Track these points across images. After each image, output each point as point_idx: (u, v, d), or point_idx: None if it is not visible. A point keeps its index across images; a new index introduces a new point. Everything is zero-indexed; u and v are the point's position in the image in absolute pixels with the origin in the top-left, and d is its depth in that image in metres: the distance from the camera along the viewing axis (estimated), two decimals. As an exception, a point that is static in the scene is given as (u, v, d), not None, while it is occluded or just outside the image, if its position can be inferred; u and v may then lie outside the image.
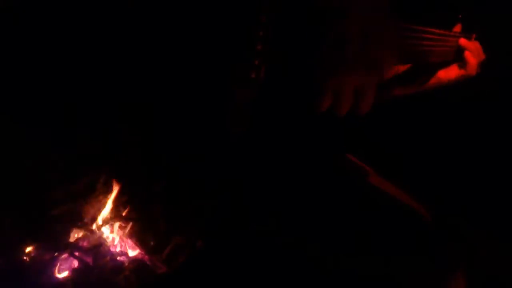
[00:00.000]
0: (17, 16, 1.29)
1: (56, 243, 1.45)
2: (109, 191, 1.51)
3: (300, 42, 0.86)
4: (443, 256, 1.14)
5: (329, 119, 1.10)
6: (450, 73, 1.12)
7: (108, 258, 1.44)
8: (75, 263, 1.45)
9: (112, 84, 1.35)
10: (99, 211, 1.50)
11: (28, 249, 1.43)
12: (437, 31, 1.08)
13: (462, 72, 1.12)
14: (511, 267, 1.17)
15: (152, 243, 1.46)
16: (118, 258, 1.45)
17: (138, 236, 1.48)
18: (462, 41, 1.11)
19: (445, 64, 1.12)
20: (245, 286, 1.16)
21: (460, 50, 1.12)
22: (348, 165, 1.16)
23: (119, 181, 1.51)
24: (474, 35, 1.15)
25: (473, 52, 1.10)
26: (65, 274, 1.43)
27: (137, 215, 1.50)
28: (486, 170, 1.25)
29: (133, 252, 1.47)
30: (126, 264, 1.42)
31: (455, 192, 1.23)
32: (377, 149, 1.21)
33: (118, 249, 1.48)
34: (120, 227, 1.50)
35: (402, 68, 1.11)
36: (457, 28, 1.15)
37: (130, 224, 1.49)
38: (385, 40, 0.84)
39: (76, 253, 1.45)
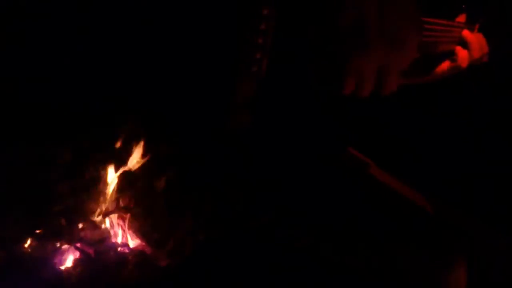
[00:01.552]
0: (17, 16, 1.28)
1: (58, 235, 1.46)
2: (112, 183, 1.51)
3: (312, 23, 0.83)
4: (444, 249, 1.14)
5: (331, 112, 1.10)
6: (443, 66, 1.10)
7: (110, 250, 1.44)
8: (77, 255, 1.45)
9: (113, 79, 1.34)
10: (101, 203, 1.51)
11: (30, 240, 1.43)
12: (440, 21, 1.06)
13: (453, 64, 1.10)
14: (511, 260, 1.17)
15: (154, 236, 1.46)
16: (120, 249, 1.45)
17: (140, 228, 1.48)
18: (465, 32, 1.10)
19: (448, 56, 1.10)
20: (248, 281, 1.16)
21: (462, 42, 1.10)
22: (349, 158, 1.16)
23: (122, 174, 1.51)
24: (477, 26, 1.13)
25: (475, 45, 1.09)
26: (66, 265, 1.43)
27: (139, 207, 1.50)
28: (488, 164, 1.24)
29: (134, 244, 1.48)
30: (129, 256, 1.43)
31: (456, 185, 1.23)
32: (378, 142, 1.20)
33: (119, 241, 1.48)
34: (122, 219, 1.50)
35: None
36: (461, 18, 1.13)
37: (133, 216, 1.49)
38: (408, 15, 0.82)
39: (78, 245, 1.46)
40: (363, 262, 1.12)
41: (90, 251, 1.45)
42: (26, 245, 1.42)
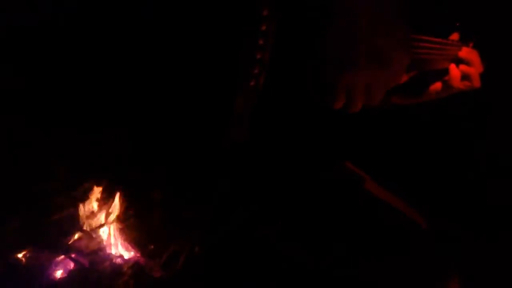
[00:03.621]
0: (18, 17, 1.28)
1: (52, 245, 1.45)
2: (109, 194, 1.52)
3: (307, 41, 0.86)
4: (437, 260, 1.15)
5: (328, 126, 1.11)
6: (436, 85, 1.11)
7: (104, 260, 1.44)
8: (71, 265, 1.45)
9: (112, 91, 1.35)
10: (97, 214, 1.51)
11: (24, 251, 1.43)
12: (434, 39, 1.08)
13: (446, 84, 1.11)
14: (503, 269, 1.18)
15: (150, 247, 1.46)
16: (114, 260, 1.45)
17: (135, 239, 1.48)
18: (461, 53, 1.10)
19: (442, 75, 1.11)
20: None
21: (456, 60, 1.12)
22: (346, 172, 1.17)
23: (118, 185, 1.51)
24: (471, 43, 1.14)
25: (471, 64, 1.10)
26: (61, 276, 1.43)
27: (135, 218, 1.50)
28: (480, 175, 1.26)
29: (129, 255, 1.48)
30: (123, 266, 1.43)
31: (449, 196, 1.24)
32: (374, 157, 1.22)
33: (114, 252, 1.48)
34: (117, 229, 1.50)
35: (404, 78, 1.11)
36: (455, 36, 1.15)
37: (128, 227, 1.49)
38: (396, 37, 0.85)
39: (72, 255, 1.45)
40: (358, 274, 1.12)
41: (85, 261, 1.44)
42: (21, 255, 1.42)
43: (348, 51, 0.82)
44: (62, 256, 1.45)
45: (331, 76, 0.83)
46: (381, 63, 0.84)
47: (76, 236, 1.48)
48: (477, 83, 1.10)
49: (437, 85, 1.12)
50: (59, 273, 1.43)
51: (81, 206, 1.50)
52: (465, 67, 1.10)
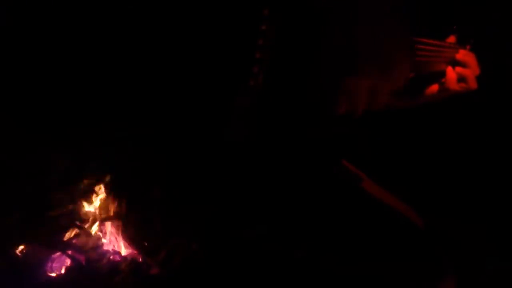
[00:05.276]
0: (18, 17, 1.29)
1: (50, 242, 1.46)
2: (106, 191, 1.52)
3: (306, 47, 0.87)
4: (433, 260, 1.16)
5: (325, 125, 1.12)
6: (432, 88, 1.13)
7: (101, 257, 1.45)
8: (68, 262, 1.45)
9: (112, 88, 1.36)
10: (95, 210, 1.51)
11: (21, 247, 1.43)
12: (432, 42, 1.09)
13: (442, 86, 1.12)
14: (499, 270, 1.19)
15: (147, 244, 1.46)
16: (111, 257, 1.46)
17: (132, 236, 1.49)
18: (459, 55, 1.11)
19: (438, 77, 1.13)
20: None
21: (453, 62, 1.13)
22: (343, 171, 1.18)
23: (116, 182, 1.52)
24: (468, 46, 1.16)
25: (468, 66, 1.11)
26: (59, 272, 1.43)
27: (132, 215, 1.50)
28: (477, 174, 1.27)
29: (127, 252, 1.48)
30: (120, 263, 1.43)
31: (446, 196, 1.25)
32: (371, 156, 1.23)
33: (112, 248, 1.49)
34: (115, 227, 1.50)
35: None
36: (451, 39, 1.16)
37: (126, 224, 1.49)
38: (397, 40, 0.86)
39: (69, 252, 1.46)
40: (353, 273, 1.13)
41: (82, 258, 1.45)
42: (19, 251, 1.42)
43: (349, 54, 0.82)
44: (59, 253, 1.45)
45: (332, 82, 0.84)
46: (384, 65, 0.84)
47: (74, 232, 1.49)
48: (473, 85, 1.12)
49: (434, 87, 1.13)
50: (56, 270, 1.44)
51: (79, 202, 1.51)
52: (461, 69, 1.11)
